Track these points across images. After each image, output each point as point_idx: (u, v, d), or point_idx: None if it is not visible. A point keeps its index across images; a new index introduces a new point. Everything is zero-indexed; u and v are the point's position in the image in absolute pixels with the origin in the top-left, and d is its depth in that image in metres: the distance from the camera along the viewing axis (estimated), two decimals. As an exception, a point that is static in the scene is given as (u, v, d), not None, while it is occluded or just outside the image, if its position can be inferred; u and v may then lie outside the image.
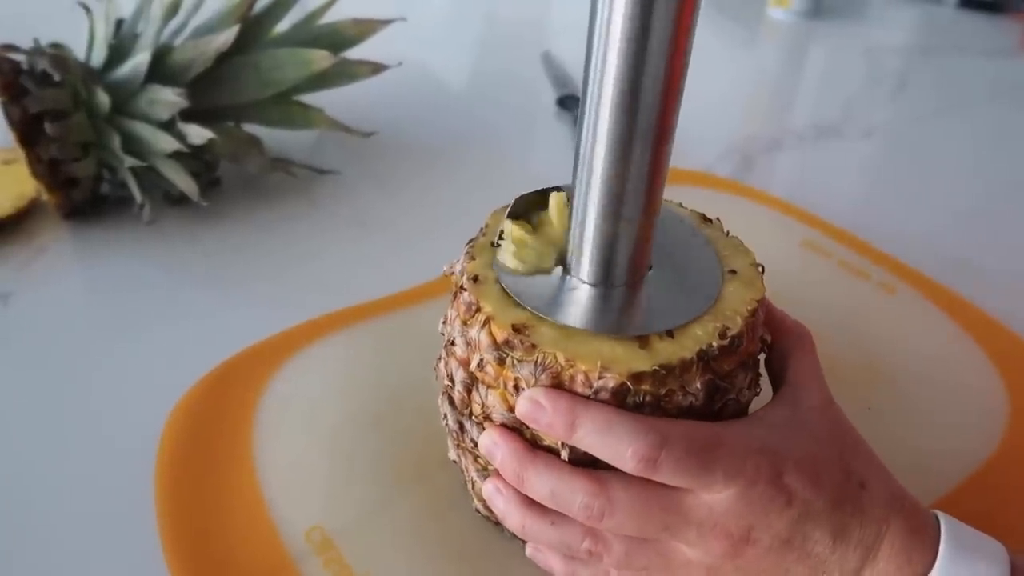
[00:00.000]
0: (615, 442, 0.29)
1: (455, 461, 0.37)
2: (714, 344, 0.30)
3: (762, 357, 0.35)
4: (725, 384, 0.30)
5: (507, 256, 0.34)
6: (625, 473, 0.30)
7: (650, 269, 0.34)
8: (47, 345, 0.48)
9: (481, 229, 0.36)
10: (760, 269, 0.34)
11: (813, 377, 0.34)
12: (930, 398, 0.46)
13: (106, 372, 0.46)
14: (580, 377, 0.29)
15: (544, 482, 0.31)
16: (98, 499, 0.39)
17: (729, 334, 0.30)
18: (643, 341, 0.30)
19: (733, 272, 0.33)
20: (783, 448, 0.30)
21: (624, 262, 0.32)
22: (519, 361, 0.30)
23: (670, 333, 0.30)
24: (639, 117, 0.28)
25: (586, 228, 0.31)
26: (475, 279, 0.33)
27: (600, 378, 0.29)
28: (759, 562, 0.30)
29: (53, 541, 0.37)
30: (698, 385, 0.30)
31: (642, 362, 0.29)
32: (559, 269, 0.33)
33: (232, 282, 0.55)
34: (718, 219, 0.37)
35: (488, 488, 0.33)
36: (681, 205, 0.38)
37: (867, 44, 1.12)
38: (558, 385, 0.30)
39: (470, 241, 0.36)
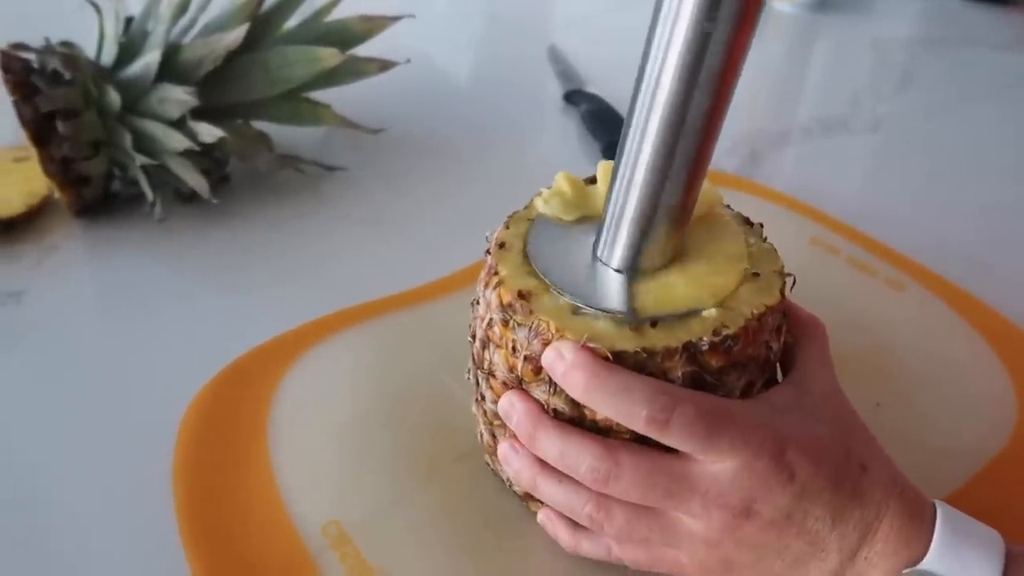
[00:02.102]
0: (629, 404, 0.30)
1: (475, 413, 0.39)
2: (704, 339, 0.31)
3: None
4: (712, 380, 0.31)
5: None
6: (632, 442, 0.31)
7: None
8: (60, 343, 0.48)
9: (527, 205, 0.38)
10: (790, 280, 0.35)
11: (822, 365, 0.35)
12: (939, 395, 0.47)
13: (119, 369, 0.47)
14: None
15: (554, 443, 0.32)
16: (116, 496, 0.39)
17: (723, 332, 0.31)
18: (636, 325, 0.31)
19: (756, 275, 0.34)
20: (788, 427, 0.31)
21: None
22: (518, 325, 0.32)
23: (654, 323, 0.31)
24: (687, 121, 0.29)
25: (622, 222, 0.33)
26: (501, 245, 0.35)
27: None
28: (759, 536, 0.30)
29: (72, 539, 0.37)
30: (679, 374, 0.30)
31: (627, 342, 0.30)
32: (590, 256, 0.35)
33: (243, 280, 0.55)
34: (760, 224, 0.38)
35: (504, 448, 0.35)
36: (728, 206, 0.39)
37: (873, 37, 1.12)
38: None
39: (514, 213, 0.38)
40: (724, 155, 0.75)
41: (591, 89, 0.84)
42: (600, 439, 0.32)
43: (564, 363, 0.30)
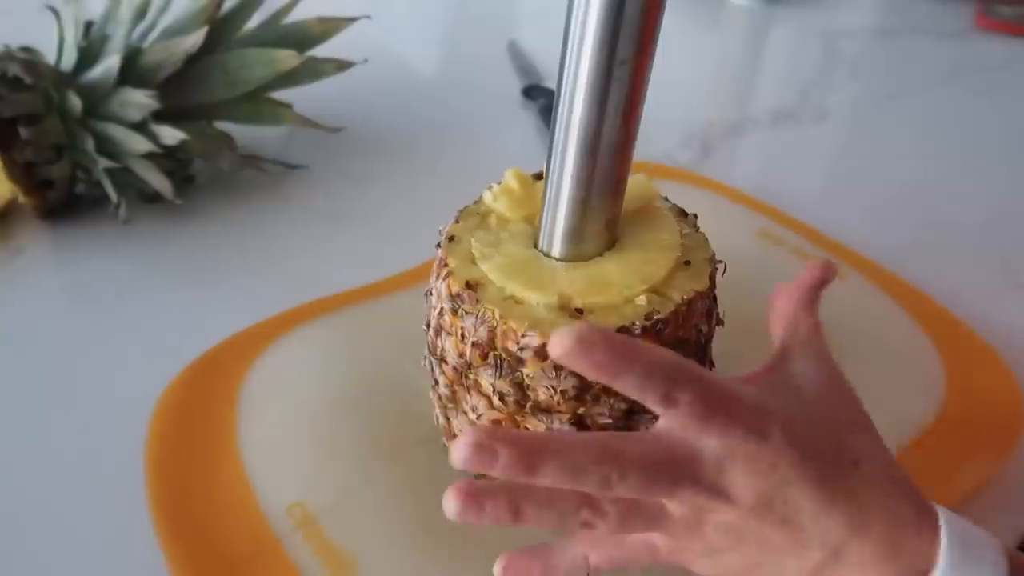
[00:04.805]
0: (648, 380, 0.27)
1: (431, 399, 0.41)
2: (636, 323, 0.33)
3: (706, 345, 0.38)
4: None
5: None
6: (622, 434, 0.30)
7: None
8: (29, 344, 0.50)
9: (477, 200, 0.40)
10: (721, 266, 0.37)
11: (823, 355, 0.35)
12: (874, 377, 0.49)
13: (88, 368, 0.48)
14: (511, 334, 0.33)
15: (561, 466, 0.27)
16: (90, 489, 0.41)
17: (655, 317, 0.33)
18: (576, 312, 0.33)
19: (687, 263, 0.36)
20: (779, 412, 0.30)
21: (588, 243, 0.36)
22: (466, 313, 0.34)
23: (587, 310, 0.33)
24: (608, 106, 0.31)
25: (558, 212, 0.35)
26: (451, 239, 0.38)
27: (524, 336, 0.33)
28: (739, 523, 0.29)
29: (46, 530, 0.39)
30: None
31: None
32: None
33: (208, 278, 0.56)
34: (694, 215, 0.40)
35: (470, 505, 0.29)
36: (666, 198, 0.41)
37: (825, 27, 1.15)
38: (492, 339, 0.34)
39: (464, 208, 0.40)
40: (678, 147, 0.78)
41: (549, 84, 0.85)
42: (587, 441, 0.29)
43: (569, 342, 0.26)
